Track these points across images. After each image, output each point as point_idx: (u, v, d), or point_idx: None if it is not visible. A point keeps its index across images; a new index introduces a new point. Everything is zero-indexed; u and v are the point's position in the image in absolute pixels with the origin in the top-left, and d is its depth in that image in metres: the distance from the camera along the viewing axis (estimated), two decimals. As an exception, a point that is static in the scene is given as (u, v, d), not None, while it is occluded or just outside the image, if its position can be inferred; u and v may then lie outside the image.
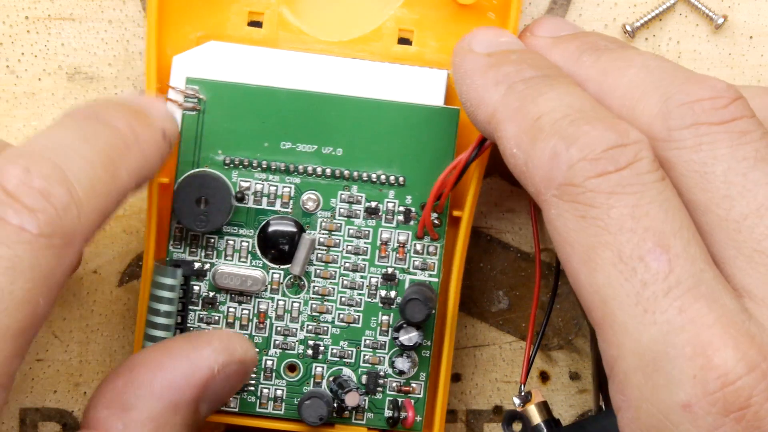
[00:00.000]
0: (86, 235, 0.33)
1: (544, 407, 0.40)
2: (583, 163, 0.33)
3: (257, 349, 0.40)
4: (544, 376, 0.44)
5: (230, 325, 0.40)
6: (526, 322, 0.44)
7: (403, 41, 0.41)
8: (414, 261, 0.40)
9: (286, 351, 0.40)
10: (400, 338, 0.40)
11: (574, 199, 0.33)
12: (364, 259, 0.40)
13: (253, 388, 0.40)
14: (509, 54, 0.37)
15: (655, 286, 0.32)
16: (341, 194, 0.40)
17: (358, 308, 0.40)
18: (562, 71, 0.37)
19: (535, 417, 0.40)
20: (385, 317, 0.40)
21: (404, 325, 0.40)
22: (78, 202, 0.32)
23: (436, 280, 0.40)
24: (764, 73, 0.44)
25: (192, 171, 0.40)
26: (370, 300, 0.40)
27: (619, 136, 0.34)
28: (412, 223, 0.40)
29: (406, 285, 0.40)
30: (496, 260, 0.44)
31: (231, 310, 0.40)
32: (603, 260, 0.33)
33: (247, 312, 0.40)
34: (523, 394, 0.40)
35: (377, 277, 0.40)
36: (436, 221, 0.40)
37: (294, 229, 0.40)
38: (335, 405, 0.40)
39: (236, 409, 0.40)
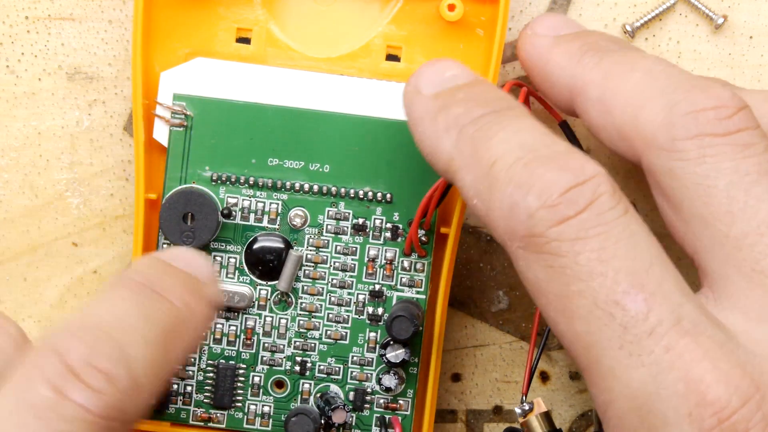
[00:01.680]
0: (140, 416, 0.33)
1: (546, 418, 0.40)
2: (542, 211, 0.32)
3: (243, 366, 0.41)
4: (544, 376, 0.44)
5: (217, 341, 0.40)
6: (526, 322, 0.44)
7: (392, 57, 0.41)
8: (401, 278, 0.40)
9: (274, 367, 0.40)
10: (387, 355, 0.40)
11: (539, 250, 0.33)
12: (351, 276, 0.40)
13: (240, 404, 0.40)
14: (456, 92, 0.36)
15: (637, 328, 0.32)
16: (328, 211, 0.40)
17: (346, 325, 0.40)
18: (512, 101, 0.36)
19: (537, 429, 0.40)
20: (372, 334, 0.40)
21: (391, 342, 0.40)
22: (138, 386, 0.32)
23: (423, 297, 0.40)
24: (764, 73, 0.43)
25: (179, 187, 0.40)
26: (357, 317, 0.40)
27: (574, 175, 0.33)
28: (399, 239, 0.40)
29: (393, 302, 0.40)
30: (496, 260, 0.44)
31: (218, 326, 0.40)
32: (579, 308, 0.32)
33: (234, 328, 0.40)
34: (525, 404, 0.40)
35: (364, 294, 0.40)
36: (423, 238, 0.40)
37: (281, 246, 0.40)
38: (322, 422, 0.40)
39: (223, 425, 0.41)
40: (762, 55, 0.43)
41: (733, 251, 0.34)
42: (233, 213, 0.40)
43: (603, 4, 0.43)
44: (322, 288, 0.40)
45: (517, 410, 0.40)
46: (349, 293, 0.40)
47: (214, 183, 0.40)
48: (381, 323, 0.40)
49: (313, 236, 0.40)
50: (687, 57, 0.43)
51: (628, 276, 0.32)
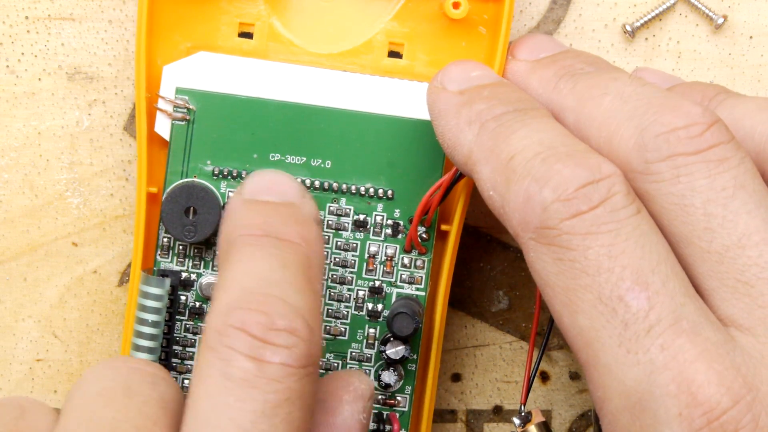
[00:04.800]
0: (321, 353, 0.34)
1: (545, 427, 0.40)
2: (556, 204, 0.33)
3: None
4: (544, 376, 0.44)
5: None
6: (526, 322, 0.44)
7: (394, 54, 0.41)
8: (401, 274, 0.40)
9: None
10: (387, 352, 0.40)
11: (550, 242, 0.33)
12: (351, 272, 0.40)
13: None
14: (481, 90, 0.37)
15: (636, 326, 0.32)
16: (330, 206, 0.40)
17: (345, 321, 0.40)
18: (534, 103, 0.37)
19: None
20: (371, 330, 0.40)
21: (391, 339, 0.40)
22: (312, 328, 0.33)
23: (423, 293, 0.40)
24: (764, 73, 0.43)
25: (180, 181, 0.40)
26: (356, 313, 0.40)
27: (590, 172, 0.33)
28: (400, 236, 0.40)
29: (393, 298, 0.40)
30: (496, 260, 0.44)
31: None
32: (583, 302, 0.33)
33: None
34: (523, 414, 0.40)
35: (364, 290, 0.40)
36: (423, 235, 0.40)
37: None
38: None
39: None
40: (762, 55, 0.43)
41: (716, 265, 0.34)
42: None
43: (603, 4, 0.43)
44: (322, 284, 0.40)
45: (516, 420, 0.40)
46: (348, 289, 0.40)
47: (215, 177, 0.40)
48: (380, 320, 0.40)
49: None
50: (687, 57, 0.43)
51: (634, 273, 0.33)
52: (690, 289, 0.33)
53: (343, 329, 0.40)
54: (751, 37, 0.43)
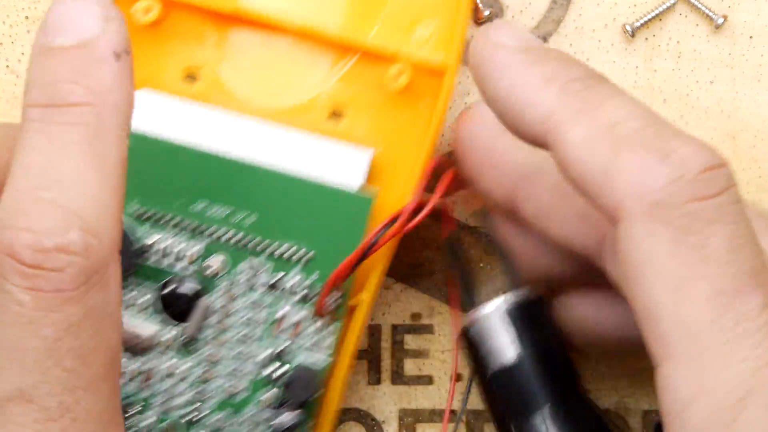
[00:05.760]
0: (117, 245, 0.31)
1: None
2: (681, 183, 0.31)
3: (139, 407, 0.39)
4: (544, 377, 0.44)
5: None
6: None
7: (335, 115, 0.40)
8: (307, 341, 0.39)
9: (167, 412, 0.39)
10: (279, 418, 0.39)
11: (669, 222, 0.31)
12: (256, 332, 0.39)
13: None
14: (548, 50, 0.34)
15: (748, 323, 0.31)
16: (247, 263, 0.39)
17: (243, 381, 0.39)
18: (605, 76, 0.34)
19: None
20: (268, 394, 0.39)
21: (287, 403, 0.39)
22: (94, 230, 0.30)
23: (328, 361, 0.39)
24: (764, 73, 0.43)
25: None
26: (255, 374, 0.39)
27: (712, 156, 0.31)
28: (311, 301, 0.39)
29: (295, 363, 0.39)
30: (496, 260, 0.44)
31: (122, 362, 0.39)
32: (698, 293, 0.31)
33: (135, 367, 0.39)
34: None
35: (267, 352, 0.39)
36: (335, 302, 0.39)
37: (194, 291, 0.39)
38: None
39: None
40: (762, 55, 0.43)
41: None
42: (148, 252, 0.39)
43: (603, 4, 0.43)
44: (226, 340, 0.39)
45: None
46: (251, 350, 0.39)
47: (138, 218, 0.39)
48: (279, 384, 0.39)
49: (227, 286, 0.39)
50: (687, 57, 0.43)
51: (751, 269, 0.31)
52: None
53: (240, 388, 0.39)
54: (751, 37, 0.43)
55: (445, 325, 0.44)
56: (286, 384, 0.39)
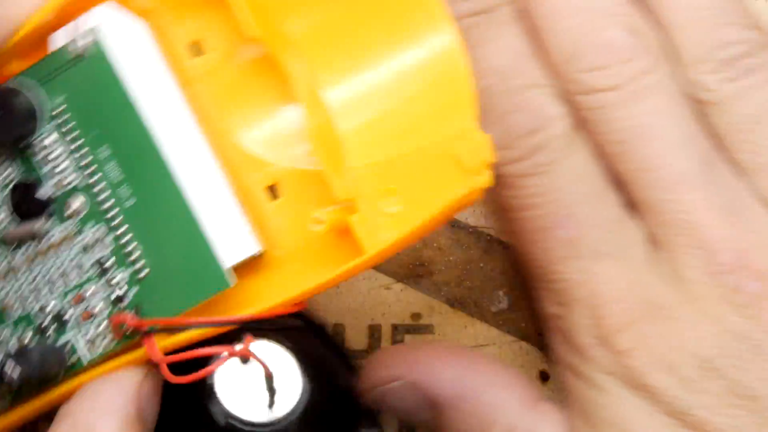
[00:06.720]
0: None
1: None
2: None
3: None
4: (544, 376, 0.44)
5: None
6: (526, 322, 0.44)
7: (271, 191, 0.37)
8: (88, 331, 0.37)
9: None
10: None
11: None
12: (57, 286, 0.37)
13: None
14: None
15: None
16: (97, 229, 0.37)
17: (15, 314, 0.38)
18: None
19: None
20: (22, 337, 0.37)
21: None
22: None
23: (79, 362, 0.37)
24: None
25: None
26: (31, 316, 0.37)
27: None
28: (118, 307, 0.36)
29: (62, 339, 0.37)
30: (496, 260, 0.44)
31: None
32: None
33: None
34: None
35: (54, 308, 0.37)
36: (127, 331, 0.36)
37: (43, 208, 0.37)
38: None
39: None
40: None
41: None
42: (35, 146, 0.37)
43: None
44: (33, 270, 0.37)
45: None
46: (43, 296, 0.37)
47: (53, 115, 0.37)
48: (37, 338, 0.37)
49: (66, 229, 0.37)
50: (687, 57, 0.43)
51: None
52: None
53: (11, 317, 0.37)
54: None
55: (445, 325, 0.44)
56: (40, 350, 0.36)
